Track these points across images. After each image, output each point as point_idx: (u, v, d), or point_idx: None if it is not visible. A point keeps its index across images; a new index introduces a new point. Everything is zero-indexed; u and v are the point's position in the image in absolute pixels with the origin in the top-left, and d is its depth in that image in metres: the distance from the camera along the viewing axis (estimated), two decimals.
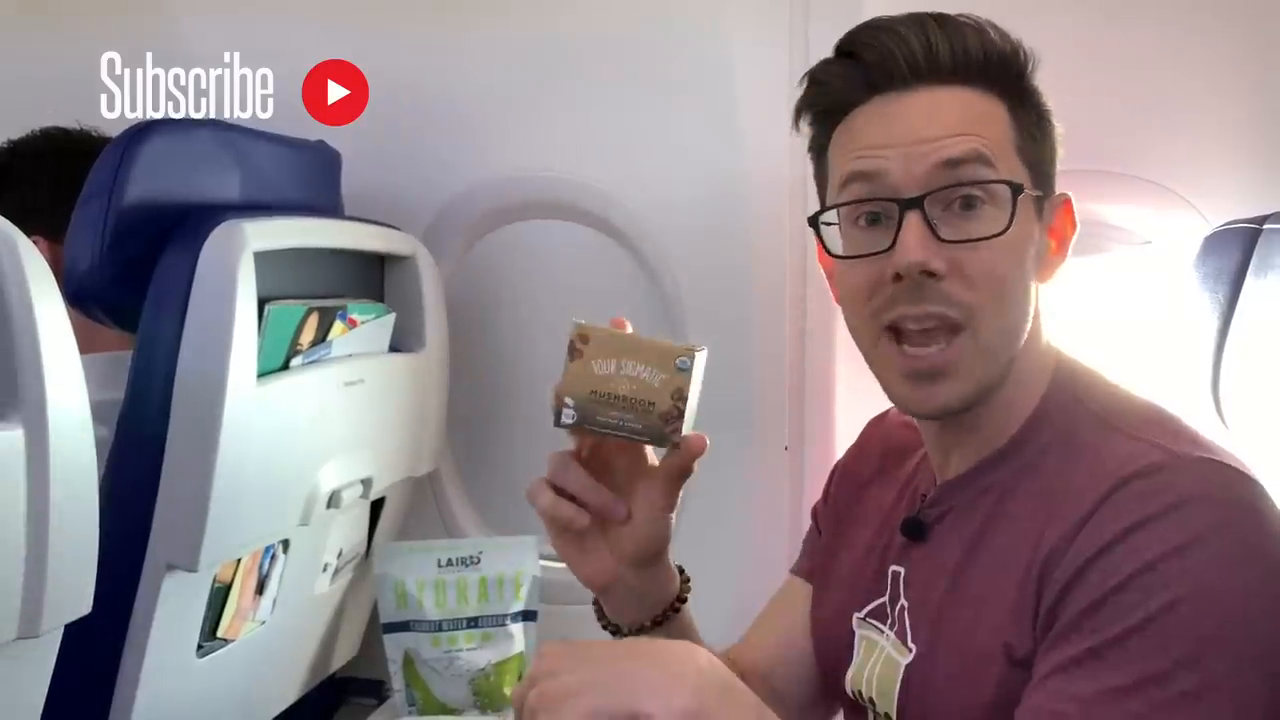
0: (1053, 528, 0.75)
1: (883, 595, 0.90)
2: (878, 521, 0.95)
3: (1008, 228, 0.78)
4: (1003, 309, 0.80)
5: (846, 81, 0.83)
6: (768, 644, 1.03)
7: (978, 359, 0.80)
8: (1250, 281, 1.00)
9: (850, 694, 0.93)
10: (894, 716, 0.86)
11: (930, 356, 0.79)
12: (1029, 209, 0.81)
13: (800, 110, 0.87)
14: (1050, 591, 0.74)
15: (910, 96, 0.80)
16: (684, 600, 0.93)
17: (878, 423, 1.06)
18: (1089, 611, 0.71)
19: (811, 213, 0.86)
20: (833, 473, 1.06)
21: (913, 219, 0.78)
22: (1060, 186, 0.87)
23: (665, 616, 0.92)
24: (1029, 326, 0.82)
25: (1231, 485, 0.74)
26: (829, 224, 0.85)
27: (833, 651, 0.95)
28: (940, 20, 0.81)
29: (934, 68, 0.80)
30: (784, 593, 1.07)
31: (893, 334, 0.81)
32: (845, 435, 1.39)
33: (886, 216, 0.80)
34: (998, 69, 0.82)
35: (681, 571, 0.95)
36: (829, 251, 0.85)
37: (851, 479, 1.02)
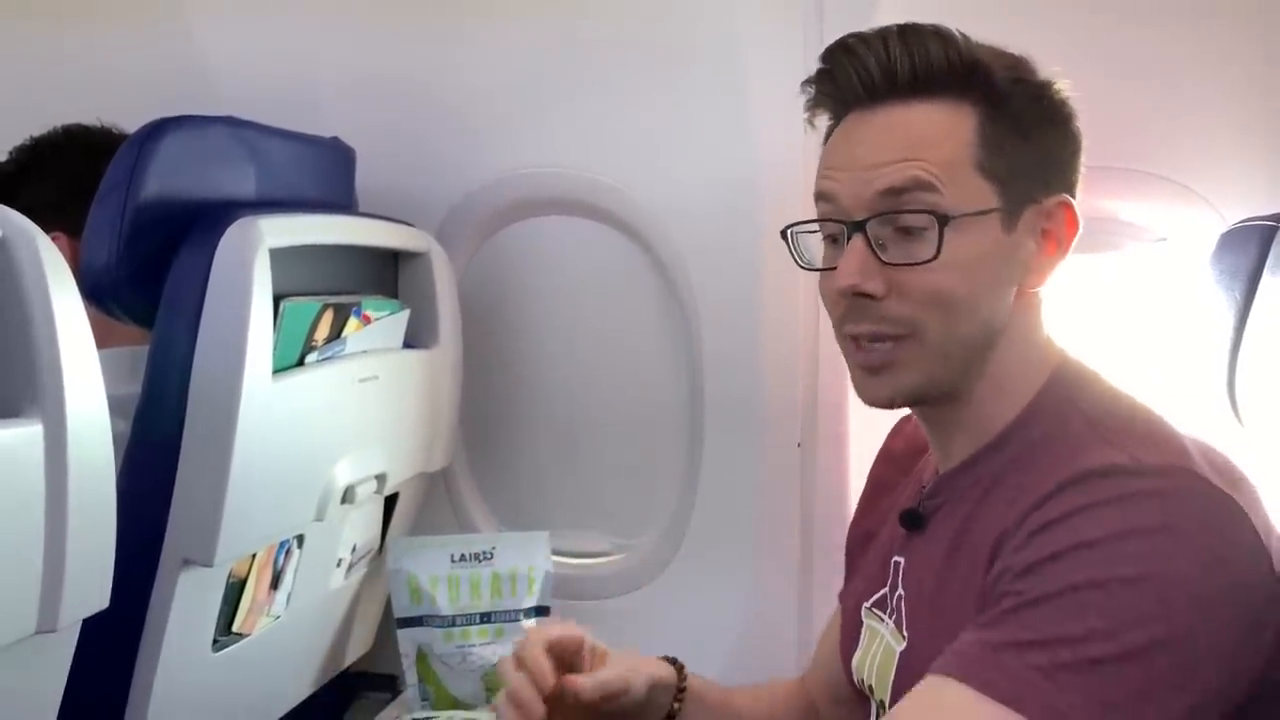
0: (1010, 516, 0.77)
1: (885, 585, 0.92)
2: (893, 517, 0.97)
3: (936, 255, 0.80)
4: (951, 321, 0.82)
5: (827, 96, 0.88)
6: (818, 676, 1.08)
7: (926, 357, 0.83)
8: (1267, 279, 1.00)
9: (855, 682, 0.94)
10: (887, 704, 0.86)
11: (878, 352, 0.84)
12: (987, 225, 0.82)
13: (809, 109, 0.90)
14: (995, 569, 0.76)
15: (873, 115, 0.84)
16: (683, 690, 0.96)
17: (901, 425, 1.07)
18: (1018, 577, 0.73)
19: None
20: (864, 489, 1.08)
21: (856, 242, 0.82)
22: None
23: (672, 714, 0.96)
24: (997, 329, 0.84)
25: (1195, 493, 0.74)
26: (811, 232, 0.90)
27: (847, 643, 0.97)
28: (904, 33, 0.83)
29: (892, 85, 0.83)
30: (830, 621, 1.10)
31: (853, 339, 0.86)
32: (858, 432, 1.39)
33: (841, 235, 0.84)
34: (965, 76, 0.82)
35: (673, 662, 0.98)
36: (798, 262, 0.92)
37: (877, 486, 1.05)
